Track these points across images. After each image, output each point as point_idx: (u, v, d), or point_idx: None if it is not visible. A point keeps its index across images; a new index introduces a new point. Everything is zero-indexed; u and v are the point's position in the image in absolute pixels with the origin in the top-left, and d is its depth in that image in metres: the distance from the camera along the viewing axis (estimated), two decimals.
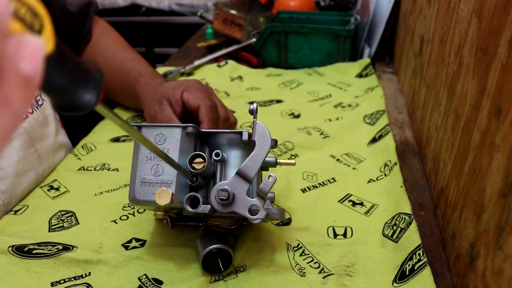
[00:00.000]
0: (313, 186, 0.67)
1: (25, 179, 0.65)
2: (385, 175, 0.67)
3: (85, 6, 0.88)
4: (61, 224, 0.61)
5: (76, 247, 0.56)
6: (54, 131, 0.73)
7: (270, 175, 0.47)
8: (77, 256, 0.54)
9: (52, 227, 0.60)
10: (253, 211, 0.47)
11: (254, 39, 1.16)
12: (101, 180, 0.70)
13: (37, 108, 0.69)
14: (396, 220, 0.57)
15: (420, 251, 0.50)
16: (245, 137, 0.51)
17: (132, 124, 0.51)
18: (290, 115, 0.89)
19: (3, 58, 0.16)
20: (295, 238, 0.56)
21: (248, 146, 0.52)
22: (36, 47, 0.16)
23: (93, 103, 0.23)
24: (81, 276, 0.52)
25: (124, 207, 0.63)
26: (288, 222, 0.59)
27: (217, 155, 0.51)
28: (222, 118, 0.72)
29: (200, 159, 0.48)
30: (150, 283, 0.51)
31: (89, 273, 0.52)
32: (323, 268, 0.52)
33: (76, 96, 0.23)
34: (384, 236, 0.56)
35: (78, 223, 0.61)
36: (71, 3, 0.84)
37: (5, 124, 0.16)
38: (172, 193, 0.46)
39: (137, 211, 0.62)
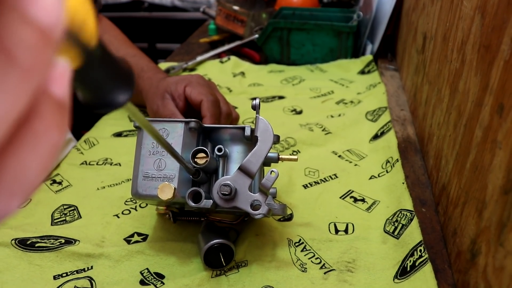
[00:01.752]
0: (314, 182, 0.67)
1: None
2: (387, 172, 0.67)
3: None
4: (64, 218, 0.61)
5: (79, 241, 0.56)
6: None
7: (272, 171, 0.47)
8: (80, 250, 0.54)
9: (55, 221, 0.60)
10: (255, 206, 0.47)
11: (256, 35, 1.16)
12: (103, 174, 0.70)
13: None
14: (397, 216, 0.57)
15: (421, 248, 0.50)
16: (247, 132, 0.51)
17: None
18: (292, 111, 0.89)
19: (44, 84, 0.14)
20: (297, 234, 0.57)
21: (250, 141, 0.52)
22: (63, 69, 0.15)
23: (124, 101, 0.23)
24: (84, 270, 0.52)
25: (126, 201, 0.63)
26: (289, 217, 0.60)
27: (219, 150, 0.51)
28: (224, 113, 0.73)
29: (202, 154, 0.48)
30: (152, 277, 0.51)
31: (92, 267, 0.52)
32: (324, 264, 0.52)
33: (110, 94, 0.23)
34: (385, 232, 0.56)
35: (81, 217, 0.61)
36: None
37: (45, 156, 0.15)
38: (175, 188, 0.46)
39: (139, 205, 0.63)
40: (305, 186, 0.66)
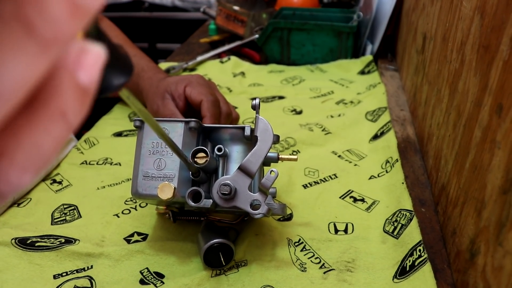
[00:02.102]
0: (314, 182, 0.67)
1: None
2: (387, 172, 0.67)
3: None
4: (64, 218, 0.61)
5: (79, 240, 0.56)
6: None
7: (272, 170, 0.47)
8: (80, 249, 0.54)
9: (55, 220, 0.61)
10: (254, 206, 0.47)
11: (256, 35, 1.16)
12: (103, 174, 0.70)
13: None
14: (397, 216, 0.57)
15: (421, 247, 0.50)
16: (247, 132, 0.51)
17: (135, 119, 0.51)
18: (292, 111, 0.89)
19: (62, 67, 0.15)
20: (296, 234, 0.57)
21: (250, 141, 0.52)
22: (97, 56, 0.15)
23: (120, 83, 0.23)
24: (84, 269, 0.52)
25: (126, 201, 0.64)
26: (289, 217, 0.60)
27: (219, 150, 0.51)
28: (224, 113, 0.73)
29: (202, 154, 0.49)
30: (152, 277, 0.51)
31: (91, 266, 0.53)
32: (323, 264, 0.52)
33: (106, 77, 0.23)
34: (385, 232, 0.56)
35: (81, 217, 0.61)
36: None
37: (58, 137, 0.15)
38: (175, 187, 0.46)
39: (139, 205, 0.63)
40: (305, 186, 0.66)
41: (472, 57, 0.49)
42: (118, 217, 0.61)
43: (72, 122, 0.15)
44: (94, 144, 0.79)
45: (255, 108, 0.50)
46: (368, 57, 1.08)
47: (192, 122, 0.50)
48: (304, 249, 0.54)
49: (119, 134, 0.82)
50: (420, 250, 0.50)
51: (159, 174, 0.49)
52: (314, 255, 0.53)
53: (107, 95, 0.23)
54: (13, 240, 0.55)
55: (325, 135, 0.78)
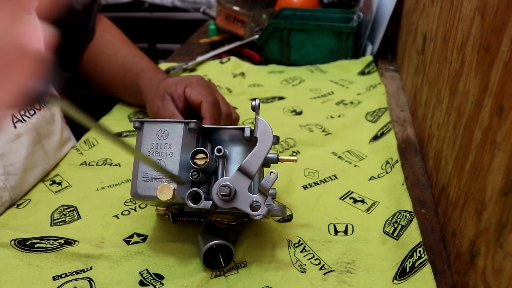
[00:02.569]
0: (314, 183, 0.67)
1: (31, 175, 0.66)
2: (387, 173, 0.67)
3: (89, 4, 0.89)
4: (63, 219, 0.61)
5: (78, 241, 0.56)
6: (60, 128, 0.73)
7: (272, 172, 0.47)
8: (79, 251, 0.54)
9: (54, 222, 0.60)
10: (254, 207, 0.47)
11: (256, 36, 1.16)
12: (103, 175, 0.70)
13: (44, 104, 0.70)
14: (397, 217, 0.57)
15: (421, 249, 0.50)
16: (247, 133, 0.51)
17: (134, 120, 0.51)
18: (292, 112, 0.89)
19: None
20: (296, 235, 0.57)
21: (250, 142, 0.52)
22: (44, 31, 0.18)
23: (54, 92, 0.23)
24: (83, 271, 0.52)
25: (125, 202, 0.63)
26: (289, 218, 0.60)
27: (219, 151, 0.51)
28: (224, 114, 0.73)
29: (202, 155, 0.49)
30: (151, 278, 0.51)
31: (91, 268, 0.52)
32: (323, 265, 0.52)
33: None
34: (385, 233, 0.56)
35: (80, 218, 0.61)
36: (75, 1, 0.85)
37: (8, 94, 0.18)
38: (174, 189, 0.46)
39: (139, 206, 0.63)
40: (305, 187, 0.66)
41: (473, 58, 0.49)
42: (118, 218, 0.61)
43: (20, 81, 0.18)
44: (94, 145, 0.79)
45: (255, 109, 0.50)
46: (368, 58, 1.08)
47: (192, 123, 0.50)
48: (304, 250, 0.54)
49: (119, 135, 0.82)
50: (420, 252, 0.50)
51: (158, 175, 0.49)
52: (314, 256, 0.53)
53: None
54: (12, 242, 0.55)
55: (325, 135, 0.78)
